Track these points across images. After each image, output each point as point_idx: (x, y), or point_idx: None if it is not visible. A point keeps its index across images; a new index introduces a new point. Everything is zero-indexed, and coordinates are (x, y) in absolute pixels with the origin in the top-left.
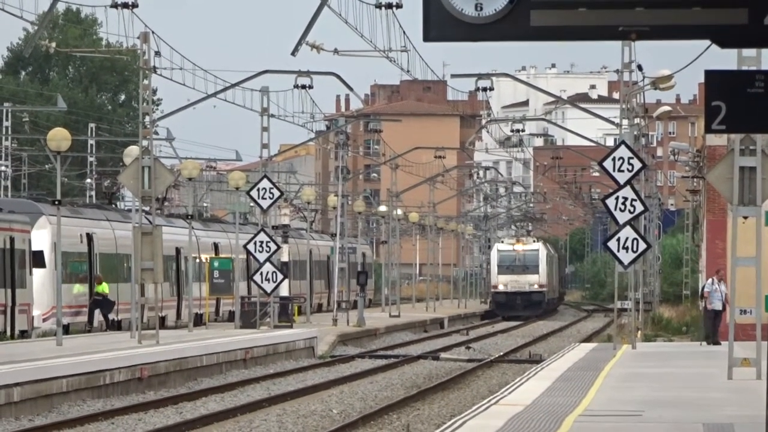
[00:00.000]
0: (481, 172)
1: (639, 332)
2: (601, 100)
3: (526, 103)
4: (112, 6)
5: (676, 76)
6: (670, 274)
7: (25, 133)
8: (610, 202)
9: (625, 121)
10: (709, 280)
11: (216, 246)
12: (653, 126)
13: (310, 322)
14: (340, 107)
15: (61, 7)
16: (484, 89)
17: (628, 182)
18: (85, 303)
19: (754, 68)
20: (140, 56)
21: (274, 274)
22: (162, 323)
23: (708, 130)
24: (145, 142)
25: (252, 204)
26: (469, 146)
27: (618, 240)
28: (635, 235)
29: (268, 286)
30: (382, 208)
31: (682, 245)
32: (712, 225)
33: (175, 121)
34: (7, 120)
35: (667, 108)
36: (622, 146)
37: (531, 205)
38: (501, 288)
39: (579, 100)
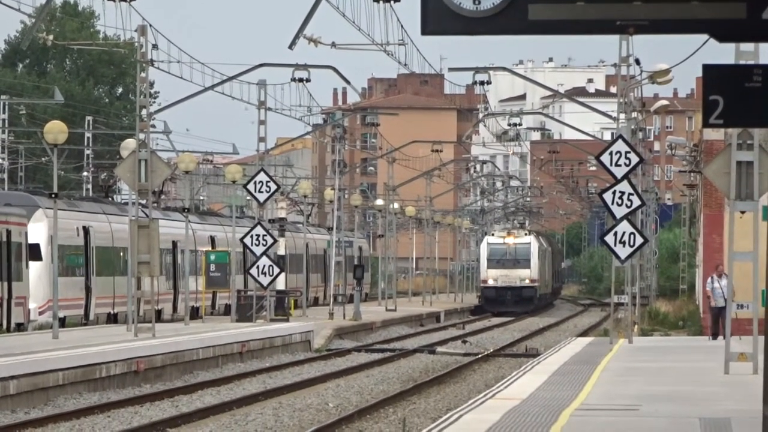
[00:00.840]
0: (478, 166)
1: (636, 327)
2: (599, 94)
3: (523, 97)
4: None
5: (674, 71)
6: (666, 268)
7: (22, 126)
8: (607, 196)
9: (622, 115)
10: (709, 278)
11: (212, 239)
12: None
13: (306, 316)
14: (337, 101)
15: None
16: (482, 83)
17: (625, 176)
18: (82, 296)
19: (751, 62)
20: (137, 49)
21: (271, 268)
22: (158, 316)
23: (705, 124)
24: (142, 135)
25: (249, 197)
26: (466, 140)
27: (615, 234)
28: (632, 230)
29: (265, 280)
30: (379, 202)
31: (679, 240)
32: (709, 219)
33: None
34: (3, 112)
35: (664, 102)
36: (620, 140)
37: (528, 199)
38: (490, 282)
39: (576, 94)
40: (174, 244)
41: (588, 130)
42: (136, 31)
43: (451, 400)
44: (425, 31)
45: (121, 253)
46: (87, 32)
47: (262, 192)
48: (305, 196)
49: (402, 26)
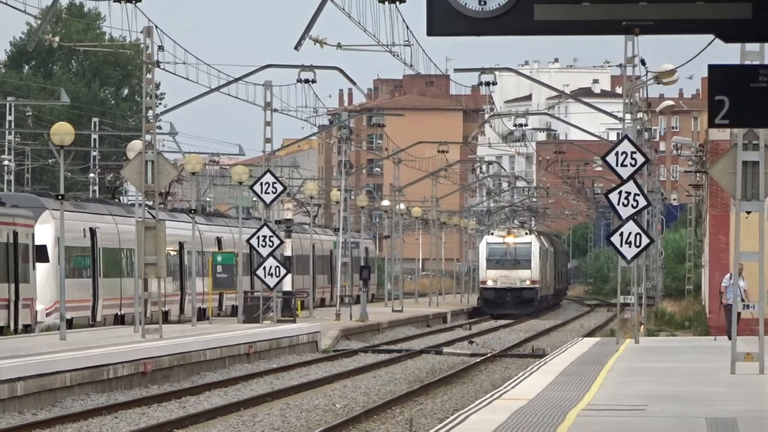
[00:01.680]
0: (483, 167)
1: (642, 327)
2: (604, 94)
3: (528, 98)
4: (115, 0)
5: (679, 71)
6: (673, 268)
7: (28, 128)
8: (613, 196)
9: (628, 116)
10: (728, 275)
11: (219, 240)
12: (656, 120)
13: (313, 317)
14: (343, 102)
15: (64, 1)
16: (487, 84)
17: (631, 177)
18: (89, 297)
19: (757, 63)
20: (143, 50)
21: (277, 269)
22: (165, 318)
23: (711, 124)
24: (148, 137)
25: (255, 198)
26: (472, 141)
27: (621, 235)
28: (638, 230)
29: (271, 281)
30: (385, 203)
31: (685, 240)
32: (715, 220)
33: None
34: (10, 114)
35: (669, 102)
36: (625, 141)
37: (534, 199)
38: (490, 284)
39: (582, 94)
40: (181, 245)
41: (594, 130)
42: (141, 32)
43: (458, 400)
44: (431, 32)
45: (128, 255)
46: (93, 34)
47: (268, 193)
48: (311, 197)
49: (408, 27)
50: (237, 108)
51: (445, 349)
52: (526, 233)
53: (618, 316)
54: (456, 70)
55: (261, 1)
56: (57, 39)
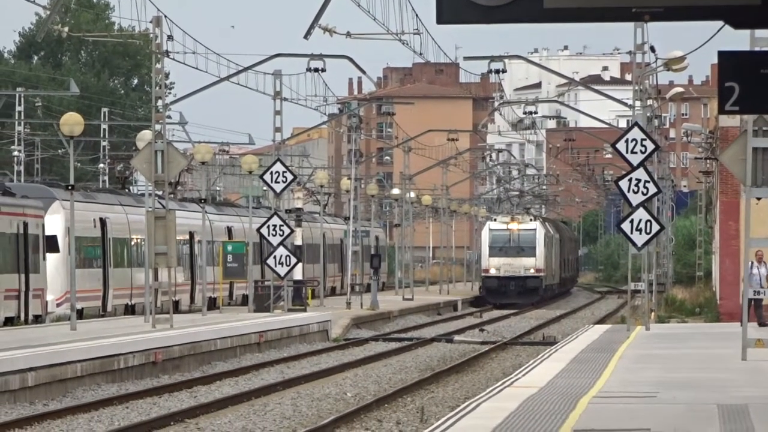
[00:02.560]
0: (493, 155)
1: (652, 314)
2: (614, 81)
3: (538, 86)
4: None
5: (689, 57)
6: (683, 255)
7: (37, 118)
8: (623, 183)
9: (637, 103)
10: (750, 262)
11: (229, 230)
12: (666, 107)
13: (323, 306)
14: (352, 90)
15: None
16: (497, 71)
17: (641, 164)
18: (100, 287)
19: (767, 49)
20: (153, 40)
21: (288, 258)
22: (176, 307)
23: (721, 111)
24: (158, 127)
25: (265, 188)
26: (481, 129)
27: (631, 222)
28: (648, 217)
29: (282, 270)
30: (395, 191)
31: (696, 227)
32: (726, 206)
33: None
34: (19, 105)
35: (679, 89)
36: (635, 128)
37: (544, 187)
38: (492, 272)
39: (591, 81)
40: (191, 234)
41: (603, 117)
42: (151, 22)
43: (469, 388)
44: (441, 20)
45: (138, 244)
46: (102, 24)
47: (278, 182)
48: (321, 186)
49: (417, 15)
50: (246, 97)
51: (456, 337)
52: (531, 219)
53: (629, 303)
54: (465, 58)
55: None
56: (66, 29)
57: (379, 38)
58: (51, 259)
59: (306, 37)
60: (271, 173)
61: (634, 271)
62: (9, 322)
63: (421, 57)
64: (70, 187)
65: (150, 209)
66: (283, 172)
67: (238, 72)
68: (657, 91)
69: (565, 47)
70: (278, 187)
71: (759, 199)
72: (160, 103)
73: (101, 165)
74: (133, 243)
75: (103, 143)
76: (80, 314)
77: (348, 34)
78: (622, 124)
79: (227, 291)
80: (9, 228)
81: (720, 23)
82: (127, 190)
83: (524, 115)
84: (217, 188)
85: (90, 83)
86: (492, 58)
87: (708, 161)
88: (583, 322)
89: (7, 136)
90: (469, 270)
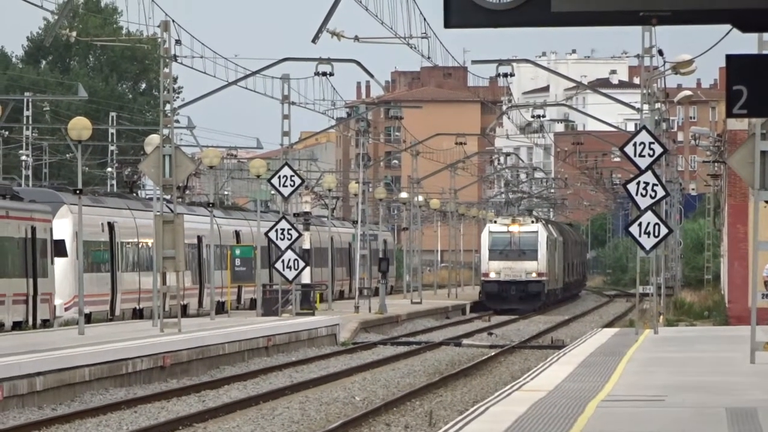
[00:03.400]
0: (502, 158)
1: (661, 317)
2: (622, 85)
3: (546, 89)
4: None
5: (697, 61)
6: (691, 258)
7: (45, 123)
8: (632, 187)
9: (645, 106)
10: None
11: (237, 234)
12: (674, 111)
13: (331, 310)
14: (360, 94)
15: None
16: (505, 75)
17: (650, 167)
18: (108, 292)
19: None
20: (161, 45)
21: (296, 262)
22: (184, 311)
23: (729, 114)
24: (165, 131)
25: (273, 192)
26: (489, 132)
27: (639, 225)
28: (657, 220)
29: (290, 274)
30: (404, 195)
31: (704, 230)
32: (734, 209)
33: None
34: (27, 110)
35: (687, 92)
36: (643, 131)
37: (552, 190)
38: (493, 276)
39: (599, 85)
40: (199, 239)
41: (611, 121)
42: (159, 26)
43: (478, 392)
44: (449, 24)
45: (146, 249)
46: (110, 28)
47: (286, 186)
48: (330, 190)
49: (425, 19)
50: (255, 101)
51: (465, 341)
52: (532, 221)
53: (637, 307)
54: (474, 62)
55: None
56: (74, 34)
57: (387, 42)
58: (59, 263)
59: (314, 41)
60: (279, 177)
61: (643, 274)
62: (17, 326)
63: (429, 61)
64: (78, 192)
65: (158, 213)
66: (291, 176)
67: (246, 76)
68: (665, 95)
69: (573, 51)
70: (286, 191)
71: (767, 202)
72: (168, 107)
73: (109, 169)
74: (141, 247)
75: (111, 147)
76: (88, 318)
77: (356, 38)
78: (630, 127)
79: (235, 295)
80: (17, 232)
81: (728, 27)
82: (135, 195)
83: (532, 119)
84: (225, 192)
85: (98, 87)
86: (500, 62)
87: (716, 164)
88: (592, 325)
89: (16, 141)
90: (477, 273)
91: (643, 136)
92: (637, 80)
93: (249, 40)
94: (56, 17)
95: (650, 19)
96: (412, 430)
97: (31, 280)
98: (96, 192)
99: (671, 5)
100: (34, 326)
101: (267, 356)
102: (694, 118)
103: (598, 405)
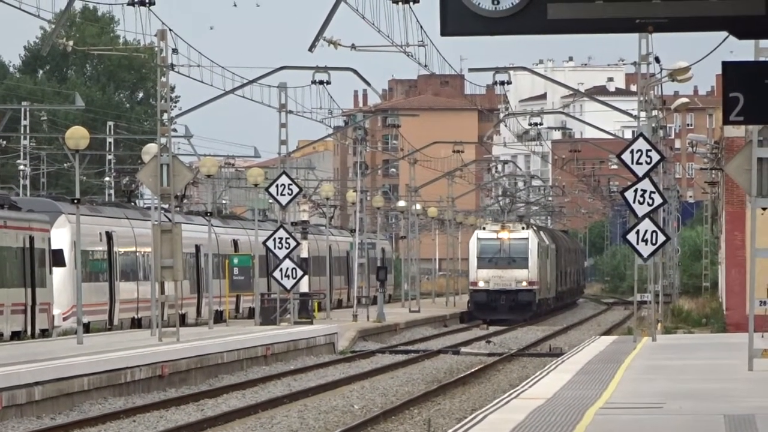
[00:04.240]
0: (499, 166)
1: (659, 324)
2: (619, 92)
3: (543, 97)
4: (129, 4)
5: (694, 68)
6: (689, 266)
7: (43, 132)
8: (629, 194)
9: (643, 114)
10: None
11: (235, 243)
12: (671, 118)
13: (330, 318)
14: (357, 102)
15: (78, 5)
16: (502, 83)
17: (647, 174)
18: (106, 301)
19: None
20: (158, 54)
21: (294, 271)
22: (182, 321)
23: (726, 121)
24: (163, 140)
25: (271, 200)
26: (487, 140)
27: (637, 232)
28: (654, 228)
29: (288, 283)
30: (401, 203)
31: (702, 237)
32: (731, 216)
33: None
34: (25, 119)
35: (684, 100)
36: (641, 138)
37: (550, 198)
38: (481, 285)
39: (596, 92)
40: (197, 248)
41: (609, 128)
42: (155, 35)
43: (476, 400)
44: (445, 32)
45: (145, 258)
46: (107, 37)
47: (284, 195)
48: (327, 199)
49: (422, 27)
50: (252, 110)
51: (463, 349)
52: (523, 227)
53: (635, 314)
54: (470, 70)
55: (275, 3)
56: (71, 43)
57: (384, 50)
58: (57, 272)
59: (311, 49)
60: (277, 186)
61: (641, 281)
62: (16, 336)
63: (426, 69)
64: (76, 201)
65: (156, 222)
66: (289, 184)
67: (244, 85)
68: (662, 102)
69: (570, 58)
70: (284, 200)
71: (765, 209)
72: (165, 116)
73: (107, 178)
74: (139, 256)
75: (109, 157)
76: (87, 328)
77: (353, 47)
78: (628, 134)
79: (234, 304)
80: (15, 242)
81: (724, 34)
82: (133, 204)
83: (529, 127)
84: (223, 201)
85: (95, 97)
86: (497, 70)
87: (713, 171)
88: (590, 333)
89: (13, 150)
90: None
91: (641, 144)
92: (634, 88)
93: (246, 49)
94: (53, 27)
95: (647, 26)
96: None
97: (29, 290)
98: (94, 201)
99: (668, 12)
100: (33, 336)
101: (265, 365)
102: (691, 125)
103: (597, 412)
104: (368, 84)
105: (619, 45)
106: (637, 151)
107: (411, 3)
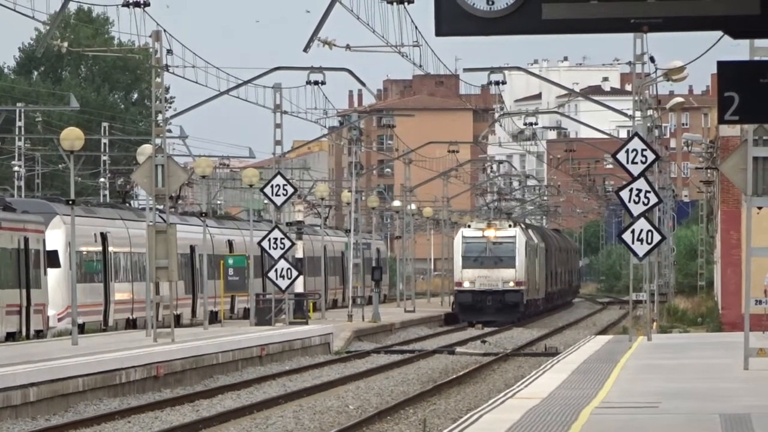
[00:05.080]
0: (494, 166)
1: (654, 324)
2: (614, 92)
3: (538, 97)
4: (123, 5)
5: (689, 67)
6: (684, 265)
7: (38, 133)
8: (624, 194)
9: (638, 113)
10: None
11: (230, 243)
12: (666, 117)
13: (325, 318)
14: (352, 103)
15: (72, 6)
16: (497, 83)
17: (642, 174)
18: (101, 302)
19: (766, 58)
20: (152, 55)
21: (289, 271)
22: (177, 321)
23: (721, 120)
24: (158, 141)
25: (266, 201)
26: (482, 140)
27: (632, 232)
28: (649, 227)
29: (283, 283)
30: (396, 204)
31: (697, 236)
32: (727, 216)
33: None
34: (20, 120)
35: (679, 99)
36: (636, 138)
37: (545, 198)
38: (466, 285)
39: (592, 92)
40: (192, 248)
41: (604, 128)
42: (150, 36)
43: (471, 400)
44: (439, 32)
45: (139, 259)
46: (101, 39)
47: (279, 195)
48: (322, 199)
49: (416, 28)
50: (247, 111)
51: (458, 349)
52: (510, 225)
53: (630, 314)
54: (465, 70)
55: (269, 3)
56: (66, 44)
57: (378, 51)
58: (52, 273)
59: (305, 50)
60: (272, 186)
61: (636, 281)
62: (10, 337)
63: (420, 69)
64: (70, 202)
65: (151, 223)
66: (284, 185)
67: (238, 85)
68: (657, 102)
69: (565, 58)
70: (279, 200)
71: (760, 208)
72: (160, 117)
73: (102, 179)
74: (134, 257)
75: (104, 158)
76: (81, 329)
77: (347, 47)
78: (623, 134)
79: (228, 304)
80: (10, 243)
81: (719, 33)
82: (127, 205)
83: (524, 126)
84: (218, 202)
85: (90, 98)
86: (492, 70)
87: (709, 171)
88: (585, 332)
89: (8, 152)
90: None
91: (636, 143)
92: (629, 87)
93: (240, 50)
94: (48, 28)
95: (641, 26)
96: None
97: (24, 291)
98: (89, 202)
99: (662, 12)
100: (28, 337)
101: (260, 365)
102: (686, 124)
103: (592, 412)
104: (363, 84)
105: (614, 45)
106: (632, 151)
107: (405, 3)
